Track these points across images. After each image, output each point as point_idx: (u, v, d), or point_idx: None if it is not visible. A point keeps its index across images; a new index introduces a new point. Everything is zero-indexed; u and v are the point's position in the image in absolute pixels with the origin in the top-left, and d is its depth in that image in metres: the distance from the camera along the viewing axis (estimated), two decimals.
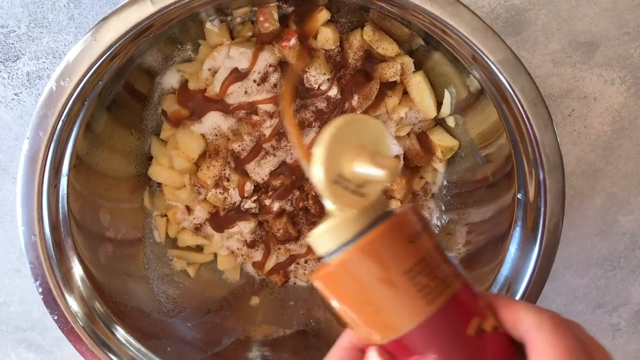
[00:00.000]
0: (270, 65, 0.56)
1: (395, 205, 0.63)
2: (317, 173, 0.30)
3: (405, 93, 0.59)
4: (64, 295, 0.48)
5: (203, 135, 0.60)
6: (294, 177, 0.61)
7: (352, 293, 0.31)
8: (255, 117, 0.59)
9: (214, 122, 0.59)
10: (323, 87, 0.57)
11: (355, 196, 0.30)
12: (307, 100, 0.59)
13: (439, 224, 0.64)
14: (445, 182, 0.63)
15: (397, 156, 0.61)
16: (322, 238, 0.31)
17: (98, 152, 0.54)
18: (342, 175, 0.30)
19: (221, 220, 0.64)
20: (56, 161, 0.46)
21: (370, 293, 0.30)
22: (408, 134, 0.61)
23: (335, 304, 0.32)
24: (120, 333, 0.52)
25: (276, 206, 0.62)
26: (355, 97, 0.58)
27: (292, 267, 0.68)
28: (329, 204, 0.31)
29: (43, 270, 0.47)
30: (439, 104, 0.59)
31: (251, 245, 0.65)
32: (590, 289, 0.71)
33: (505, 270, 0.50)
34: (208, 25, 0.56)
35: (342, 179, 0.30)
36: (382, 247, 0.30)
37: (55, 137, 0.45)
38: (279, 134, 0.60)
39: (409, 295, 0.29)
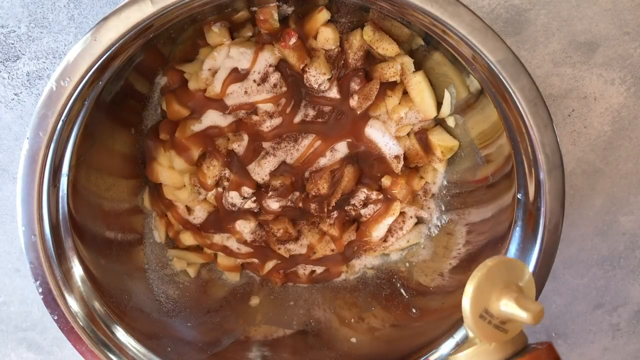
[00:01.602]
0: (270, 65, 0.56)
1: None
2: (465, 307, 0.34)
3: (405, 93, 0.59)
4: (64, 295, 0.48)
5: None
6: (293, 178, 0.62)
7: None
8: (255, 117, 0.59)
9: (213, 122, 0.59)
10: (323, 87, 0.57)
11: (497, 331, 0.34)
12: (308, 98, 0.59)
13: (439, 224, 0.64)
14: (445, 182, 0.63)
15: (397, 157, 0.61)
16: None
17: (98, 152, 0.54)
18: (488, 311, 0.34)
19: (220, 219, 0.64)
20: (56, 161, 0.46)
21: None
22: (408, 134, 0.61)
23: None
24: (120, 333, 0.52)
25: (276, 206, 0.62)
26: (355, 97, 0.58)
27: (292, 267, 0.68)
28: (471, 334, 0.36)
29: (43, 270, 0.47)
30: (439, 104, 0.59)
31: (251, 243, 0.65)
32: (590, 289, 0.71)
33: None
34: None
35: (488, 314, 0.34)
36: None
37: (55, 137, 0.45)
38: (279, 135, 0.60)
39: None
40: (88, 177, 0.53)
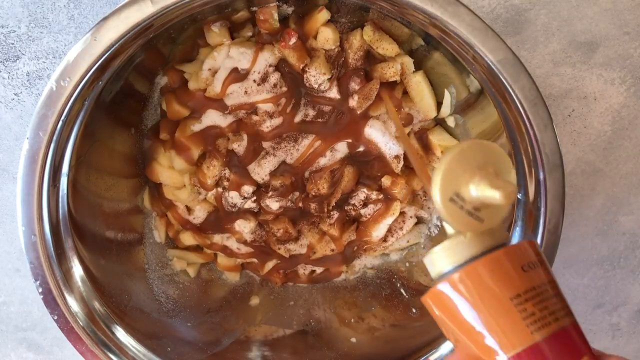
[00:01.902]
0: (270, 65, 0.56)
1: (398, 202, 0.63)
2: (434, 188, 0.31)
3: (405, 93, 0.59)
4: (64, 295, 0.48)
5: None
6: (293, 178, 0.62)
7: (460, 312, 0.31)
8: (255, 117, 0.59)
9: (213, 122, 0.59)
10: (323, 87, 0.57)
11: (471, 218, 0.31)
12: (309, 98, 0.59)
13: (439, 223, 0.64)
14: None
15: (397, 156, 0.61)
16: (437, 258, 0.32)
17: (98, 152, 0.54)
18: (459, 195, 0.31)
19: (220, 219, 0.64)
20: (56, 161, 0.46)
21: (476, 314, 0.31)
22: (408, 134, 0.61)
23: (441, 322, 0.33)
24: (120, 333, 0.52)
25: (276, 206, 0.62)
26: (355, 97, 0.58)
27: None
28: (448, 227, 0.33)
29: (43, 270, 0.47)
30: (439, 104, 0.59)
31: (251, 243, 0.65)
32: (590, 289, 0.71)
33: None
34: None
35: (459, 198, 0.31)
36: (493, 270, 0.31)
37: (55, 137, 0.45)
38: (279, 135, 0.60)
39: (513, 320, 0.30)
40: (88, 177, 0.53)
